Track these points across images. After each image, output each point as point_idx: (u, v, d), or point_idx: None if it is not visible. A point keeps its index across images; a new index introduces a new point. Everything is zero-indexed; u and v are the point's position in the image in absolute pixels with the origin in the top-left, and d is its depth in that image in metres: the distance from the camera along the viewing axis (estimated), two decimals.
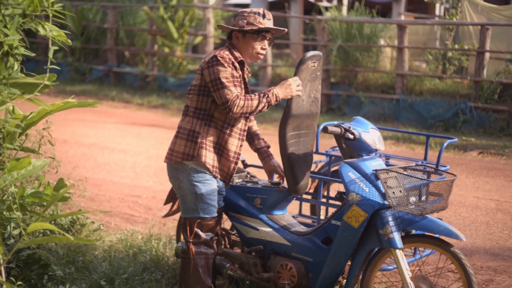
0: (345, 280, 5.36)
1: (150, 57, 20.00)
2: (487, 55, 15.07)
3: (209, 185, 5.29)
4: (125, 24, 20.84)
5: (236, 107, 5.07)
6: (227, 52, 5.20)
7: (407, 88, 16.24)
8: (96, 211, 4.18)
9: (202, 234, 5.35)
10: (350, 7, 23.72)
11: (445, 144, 6.23)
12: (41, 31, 4.59)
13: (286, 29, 5.42)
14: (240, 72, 5.27)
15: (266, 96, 5.15)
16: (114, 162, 11.14)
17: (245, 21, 5.25)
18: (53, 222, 6.88)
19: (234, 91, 5.08)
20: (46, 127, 7.16)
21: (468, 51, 15.82)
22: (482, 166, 11.62)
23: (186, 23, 19.15)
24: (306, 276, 5.43)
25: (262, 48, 5.34)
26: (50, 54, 4.38)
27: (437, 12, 24.34)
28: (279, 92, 5.17)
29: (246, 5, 27.48)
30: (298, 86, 5.21)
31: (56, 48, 4.53)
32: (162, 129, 14.32)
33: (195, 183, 5.25)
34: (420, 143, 13.53)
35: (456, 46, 15.88)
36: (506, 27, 16.39)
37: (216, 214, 5.40)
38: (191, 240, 5.34)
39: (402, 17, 21.74)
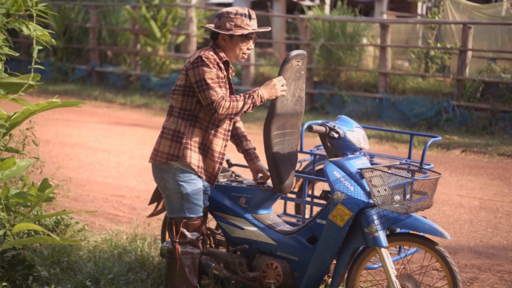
0: (330, 279, 5.37)
1: (133, 56, 19.95)
2: (470, 53, 15.14)
3: (195, 184, 5.29)
4: (107, 24, 20.77)
5: (221, 108, 5.07)
6: (211, 53, 5.19)
7: (390, 86, 16.29)
8: (81, 211, 4.18)
9: (188, 234, 5.34)
10: (333, 6, 23.79)
11: (429, 143, 6.25)
12: (25, 31, 4.57)
13: (270, 27, 5.46)
14: (225, 73, 5.27)
15: (251, 97, 5.16)
16: (98, 162, 11.11)
17: (232, 23, 5.21)
18: (37, 222, 6.86)
19: (220, 92, 5.08)
20: (29, 127, 7.13)
21: (450, 50, 15.89)
22: (465, 164, 11.68)
23: (169, 22, 19.11)
24: (291, 275, 5.43)
25: (247, 49, 5.35)
26: (35, 54, 4.36)
27: (419, 11, 24.44)
28: (264, 92, 5.18)
29: (229, 4, 27.46)
30: (282, 86, 5.22)
31: (41, 47, 4.51)
32: (145, 129, 14.30)
33: (180, 183, 5.24)
34: (403, 142, 13.57)
35: (439, 45, 15.94)
36: (488, 25, 16.48)
37: (201, 214, 5.40)
38: (177, 240, 5.33)
39: (385, 16, 21.83)
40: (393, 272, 4.97)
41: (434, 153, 12.63)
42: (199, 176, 5.31)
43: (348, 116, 15.24)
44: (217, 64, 5.16)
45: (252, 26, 5.28)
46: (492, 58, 16.27)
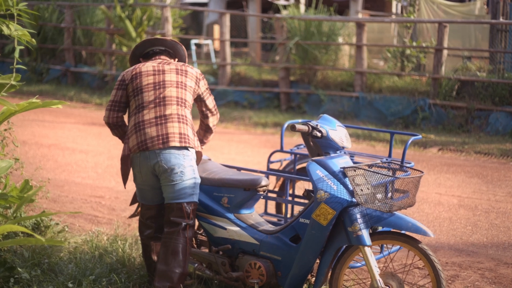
0: (314, 278, 5.37)
1: (108, 56, 19.84)
2: (445, 52, 15.21)
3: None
4: (82, 24, 20.66)
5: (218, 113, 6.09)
6: None
7: (366, 85, 16.34)
8: (64, 212, 4.14)
9: (194, 218, 5.52)
10: (308, 5, 23.81)
11: (410, 141, 6.27)
12: (5, 31, 4.52)
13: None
14: None
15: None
16: (75, 163, 11.04)
17: None
18: (16, 223, 6.80)
19: None
20: (8, 128, 7.07)
21: (426, 49, 15.96)
22: (442, 162, 11.73)
23: (144, 22, 19.04)
24: (275, 275, 5.42)
25: None
26: (16, 54, 4.32)
27: (394, 10, 24.53)
28: None
29: (204, 4, 27.41)
30: None
31: (22, 47, 4.46)
32: None
33: (195, 169, 5.51)
34: (380, 140, 13.62)
35: (414, 44, 16.01)
36: (461, 24, 16.58)
37: None
38: (190, 222, 5.46)
39: (360, 15, 21.88)
40: (376, 271, 4.98)
41: (411, 152, 12.68)
42: None
43: None
44: None
45: None
46: (467, 57, 16.37)
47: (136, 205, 6.29)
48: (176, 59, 5.95)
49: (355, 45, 16.30)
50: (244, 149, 12.52)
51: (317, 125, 5.18)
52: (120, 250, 6.46)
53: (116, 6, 18.81)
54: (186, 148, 5.43)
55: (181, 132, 5.43)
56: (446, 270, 6.75)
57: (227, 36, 18.00)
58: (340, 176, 5.07)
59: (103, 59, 20.51)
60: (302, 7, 22.94)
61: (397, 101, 15.40)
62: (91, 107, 17.58)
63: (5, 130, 7.06)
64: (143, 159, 5.43)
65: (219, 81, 18.19)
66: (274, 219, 6.92)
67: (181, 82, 5.57)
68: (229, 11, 18.40)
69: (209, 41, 21.90)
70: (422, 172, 5.08)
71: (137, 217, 7.30)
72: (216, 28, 22.81)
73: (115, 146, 12.26)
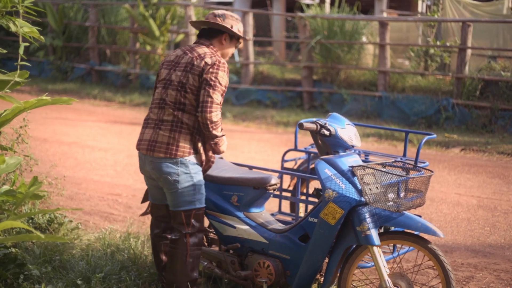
0: (323, 278, 5.33)
1: (132, 55, 19.89)
2: (469, 51, 15.09)
3: (201, 175, 5.44)
4: (106, 22, 20.72)
5: (212, 114, 5.25)
6: (223, 59, 5.42)
7: (390, 85, 16.24)
8: (62, 209, 4.13)
9: (197, 224, 5.42)
10: (332, 4, 23.72)
11: (424, 141, 6.22)
12: (13, 28, 4.53)
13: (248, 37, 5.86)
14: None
15: (224, 134, 5.47)
16: (95, 161, 11.07)
17: (239, 25, 5.53)
18: (30, 220, 6.82)
19: (221, 100, 5.35)
20: (23, 125, 7.09)
21: (450, 48, 15.84)
22: (464, 162, 11.62)
23: (168, 21, 19.06)
24: (283, 274, 5.39)
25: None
26: (21, 51, 4.32)
27: (419, 9, 24.39)
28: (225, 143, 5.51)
29: (229, 3, 27.41)
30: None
31: (27, 44, 4.46)
32: None
33: (193, 175, 5.34)
34: (402, 140, 13.52)
35: (438, 43, 15.89)
36: (488, 24, 16.43)
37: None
38: (189, 231, 5.38)
39: (384, 14, 21.77)
40: (385, 271, 4.92)
41: (433, 152, 12.58)
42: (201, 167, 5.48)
43: (347, 114, 15.27)
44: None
45: (242, 32, 5.60)
46: (491, 56, 16.22)
47: (147, 203, 6.27)
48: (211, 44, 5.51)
49: (378, 44, 16.21)
50: (264, 148, 12.49)
51: (325, 123, 5.14)
52: (131, 248, 6.45)
53: (139, 5, 18.84)
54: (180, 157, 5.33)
55: (169, 142, 5.28)
56: (461, 271, 6.68)
57: (250, 35, 17.96)
58: (349, 175, 5.02)
59: (127, 58, 20.56)
60: (327, 6, 22.87)
61: (420, 101, 15.29)
62: (114, 105, 17.62)
63: (21, 127, 7.09)
64: (141, 159, 5.46)
65: (242, 80, 18.16)
66: (288, 218, 6.89)
67: (182, 83, 5.32)
68: (252, 10, 18.36)
69: None
70: (432, 172, 5.02)
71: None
72: None
73: (135, 144, 12.25)
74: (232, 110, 16.36)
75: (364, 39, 17.44)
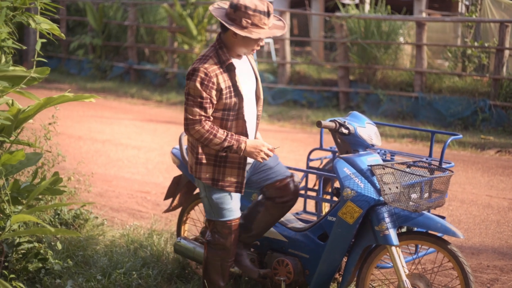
0: (341, 277, 5.30)
1: (170, 54, 19.99)
2: (507, 52, 14.90)
3: (219, 191, 5.20)
4: (145, 22, 20.85)
5: (194, 130, 4.93)
6: (211, 62, 4.92)
7: (426, 86, 16.11)
8: (74, 203, 4.19)
9: (218, 237, 5.23)
10: (375, 4, 23.59)
11: (449, 141, 6.17)
12: (32, 24, 4.57)
13: (284, 31, 5.06)
14: (227, 80, 4.99)
15: (232, 143, 4.96)
16: (127, 158, 11.14)
17: (249, 21, 4.86)
18: (56, 216, 6.88)
19: (198, 112, 4.91)
20: (52, 122, 7.16)
21: (487, 49, 15.67)
22: (498, 164, 11.49)
23: (205, 20, 19.12)
24: (302, 273, 5.37)
25: (258, 45, 5.06)
26: (38, 47, 4.35)
27: (459, 10, 24.15)
28: (247, 149, 5.00)
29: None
30: (266, 156, 5.07)
31: (44, 40, 4.51)
32: (178, 126, 14.26)
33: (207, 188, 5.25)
34: (437, 141, 13.39)
35: (476, 44, 15.72)
36: None
37: (233, 217, 5.24)
38: (207, 240, 5.29)
39: (423, 15, 21.59)
40: (403, 271, 4.88)
41: (468, 153, 12.44)
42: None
43: (383, 115, 15.19)
44: (215, 76, 4.90)
45: (269, 24, 4.93)
46: None
47: (170, 199, 6.29)
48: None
49: (415, 45, 16.09)
50: (297, 147, 12.46)
51: (345, 122, 5.11)
52: (154, 245, 6.48)
53: (176, 4, 18.91)
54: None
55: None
56: (487, 273, 6.61)
57: (286, 35, 17.93)
58: (368, 174, 4.99)
59: (165, 57, 20.66)
60: (367, 7, 22.76)
61: (457, 102, 15.14)
62: (151, 104, 17.71)
63: (49, 124, 7.16)
64: None
65: (278, 80, 18.15)
66: (313, 218, 6.86)
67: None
68: (289, 10, 18.35)
69: (270, 40, 21.86)
70: (452, 172, 4.97)
71: (176, 212, 7.34)
72: None
73: (168, 143, 12.33)
74: (268, 109, 16.34)
75: (401, 39, 17.33)
